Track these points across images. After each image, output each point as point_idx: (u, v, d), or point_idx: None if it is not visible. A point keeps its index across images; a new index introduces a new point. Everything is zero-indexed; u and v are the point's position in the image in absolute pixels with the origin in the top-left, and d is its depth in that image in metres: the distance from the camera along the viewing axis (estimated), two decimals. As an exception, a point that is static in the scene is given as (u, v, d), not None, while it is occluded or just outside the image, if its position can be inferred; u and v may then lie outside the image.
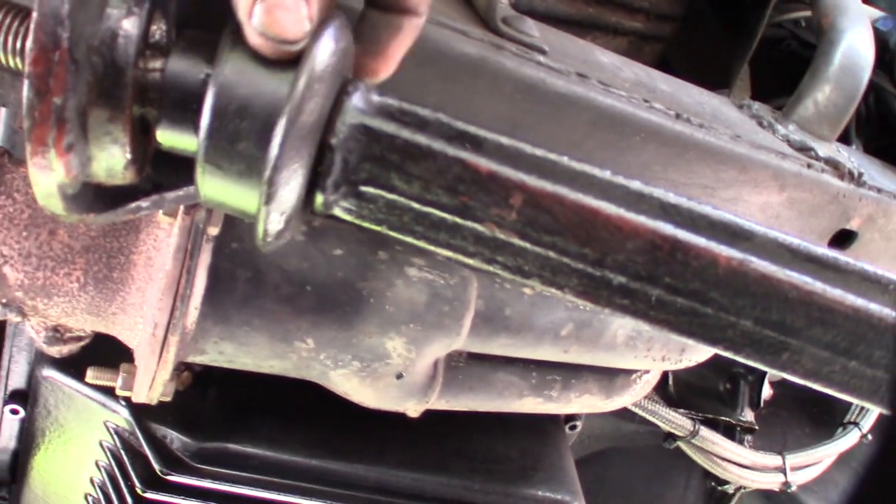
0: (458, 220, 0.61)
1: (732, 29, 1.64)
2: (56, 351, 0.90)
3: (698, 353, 1.15)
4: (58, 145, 0.57)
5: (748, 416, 1.39)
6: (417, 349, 0.92)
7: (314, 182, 0.61)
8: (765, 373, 1.40)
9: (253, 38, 0.55)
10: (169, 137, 0.61)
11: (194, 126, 0.61)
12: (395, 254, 0.92)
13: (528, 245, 0.60)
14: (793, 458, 1.41)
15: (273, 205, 0.59)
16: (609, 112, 0.90)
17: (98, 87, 0.58)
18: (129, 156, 0.62)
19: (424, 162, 0.60)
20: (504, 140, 0.63)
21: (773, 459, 1.40)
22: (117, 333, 0.87)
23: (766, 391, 1.40)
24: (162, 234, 0.82)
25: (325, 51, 0.58)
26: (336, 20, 0.61)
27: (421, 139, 0.61)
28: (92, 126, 0.59)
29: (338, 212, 0.62)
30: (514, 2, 1.13)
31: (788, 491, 1.41)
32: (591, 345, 1.01)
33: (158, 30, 0.64)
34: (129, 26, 0.58)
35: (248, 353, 0.89)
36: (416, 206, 0.61)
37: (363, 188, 0.61)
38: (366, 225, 0.63)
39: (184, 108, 0.60)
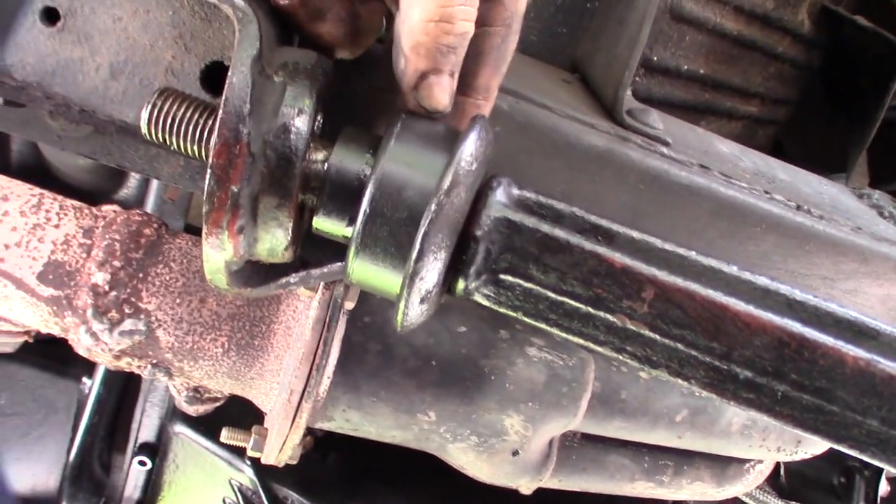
0: (591, 310, 0.64)
1: (848, 113, 1.63)
2: (194, 410, 0.96)
3: (815, 445, 1.13)
4: (231, 228, 0.63)
5: (865, 513, 1.34)
6: (534, 427, 0.94)
7: (456, 269, 0.65)
8: (882, 468, 1.34)
9: (411, 103, 0.67)
10: (325, 223, 0.67)
11: (349, 213, 0.66)
12: (515, 333, 0.96)
13: (657, 337, 0.63)
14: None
15: (415, 290, 0.63)
16: (730, 202, 0.91)
17: (270, 177, 0.64)
18: (290, 238, 0.67)
19: (561, 254, 0.64)
20: (635, 234, 0.66)
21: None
22: (253, 397, 0.93)
23: (884, 487, 1.34)
24: (301, 306, 0.88)
25: (470, 148, 0.63)
26: (480, 120, 0.67)
27: (558, 233, 0.64)
28: (261, 212, 0.65)
29: (477, 298, 0.66)
30: (633, 88, 1.18)
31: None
32: (705, 432, 1.01)
33: (319, 123, 0.70)
34: (300, 123, 0.65)
35: (373, 422, 0.93)
36: (551, 295, 0.64)
37: (503, 276, 0.64)
38: (502, 311, 0.66)
39: (342, 197, 0.66)
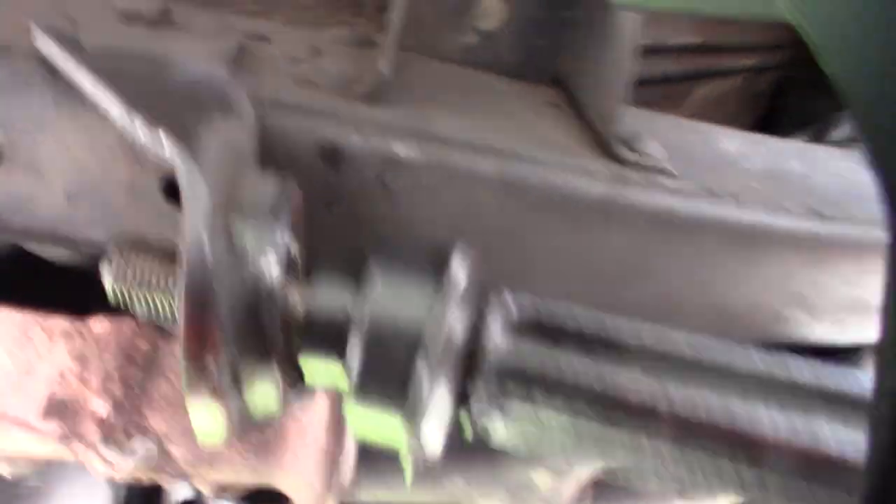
0: (604, 429, 0.61)
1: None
2: (222, 500, 0.96)
3: None
4: (213, 396, 0.60)
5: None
6: (562, 478, 0.92)
7: (461, 403, 0.62)
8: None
9: None
10: (313, 365, 0.64)
11: (337, 351, 0.63)
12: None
13: (678, 454, 0.60)
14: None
15: (418, 441, 0.60)
16: (744, 228, 0.86)
17: (247, 336, 0.61)
18: (280, 387, 0.64)
19: (566, 384, 0.60)
20: (649, 340, 0.62)
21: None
22: (279, 487, 0.92)
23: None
24: (311, 403, 0.85)
25: (456, 279, 0.60)
26: (461, 246, 0.62)
27: (562, 361, 0.61)
28: (244, 373, 0.61)
29: (486, 431, 0.63)
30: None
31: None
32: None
33: (295, 258, 0.66)
34: (271, 271, 0.61)
35: (401, 494, 0.92)
36: (562, 418, 0.61)
37: (508, 405, 0.61)
38: (514, 441, 0.63)
39: (328, 339, 0.63)
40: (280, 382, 0.63)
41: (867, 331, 1.00)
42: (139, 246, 0.65)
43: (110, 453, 0.81)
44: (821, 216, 0.91)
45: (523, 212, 0.80)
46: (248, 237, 0.60)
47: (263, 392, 0.63)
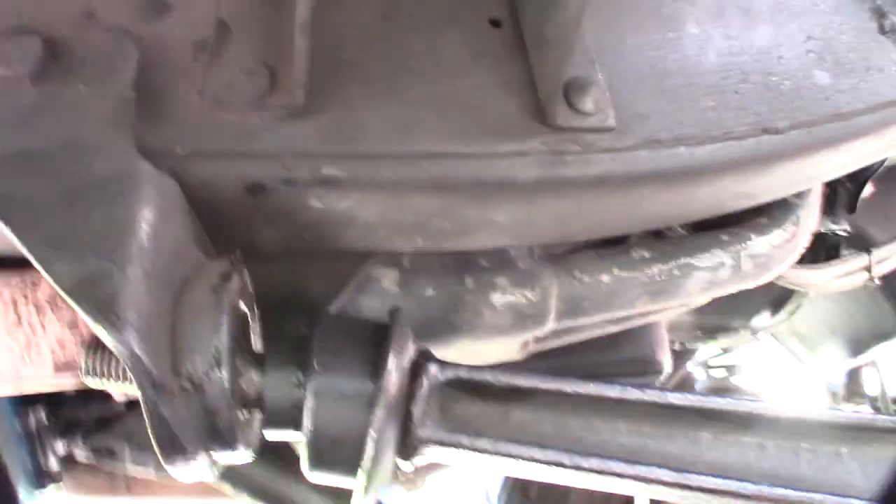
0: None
1: None
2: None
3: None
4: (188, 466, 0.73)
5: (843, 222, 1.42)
6: (507, 347, 1.08)
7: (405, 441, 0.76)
8: (866, 179, 1.40)
9: None
10: (274, 435, 0.76)
11: (294, 422, 0.75)
12: (480, 277, 1.02)
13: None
14: (879, 253, 1.47)
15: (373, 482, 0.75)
16: (688, 171, 0.87)
17: (208, 423, 0.71)
18: (250, 451, 0.76)
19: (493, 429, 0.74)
20: (559, 388, 0.73)
21: (860, 261, 1.47)
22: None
23: (869, 189, 1.40)
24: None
25: (393, 361, 0.70)
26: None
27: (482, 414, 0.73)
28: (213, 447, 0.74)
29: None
30: None
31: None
32: (666, 303, 1.11)
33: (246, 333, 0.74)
34: (220, 373, 0.70)
35: None
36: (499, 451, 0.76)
37: (446, 445, 0.75)
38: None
39: (283, 413, 0.74)
40: (250, 446, 0.76)
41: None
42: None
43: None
44: (773, 131, 0.90)
45: (457, 204, 0.82)
46: (195, 338, 0.67)
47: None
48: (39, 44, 0.71)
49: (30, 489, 1.31)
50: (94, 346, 0.74)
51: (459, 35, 0.85)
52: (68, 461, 1.37)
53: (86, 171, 0.67)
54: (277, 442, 0.77)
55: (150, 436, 0.67)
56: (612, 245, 1.08)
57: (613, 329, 1.22)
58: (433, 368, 0.74)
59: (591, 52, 0.85)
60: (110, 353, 0.73)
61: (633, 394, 0.76)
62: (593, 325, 1.15)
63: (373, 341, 0.72)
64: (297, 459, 1.30)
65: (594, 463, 0.74)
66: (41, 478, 1.31)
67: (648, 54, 0.91)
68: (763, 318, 1.98)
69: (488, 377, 0.74)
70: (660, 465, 0.75)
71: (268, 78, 0.75)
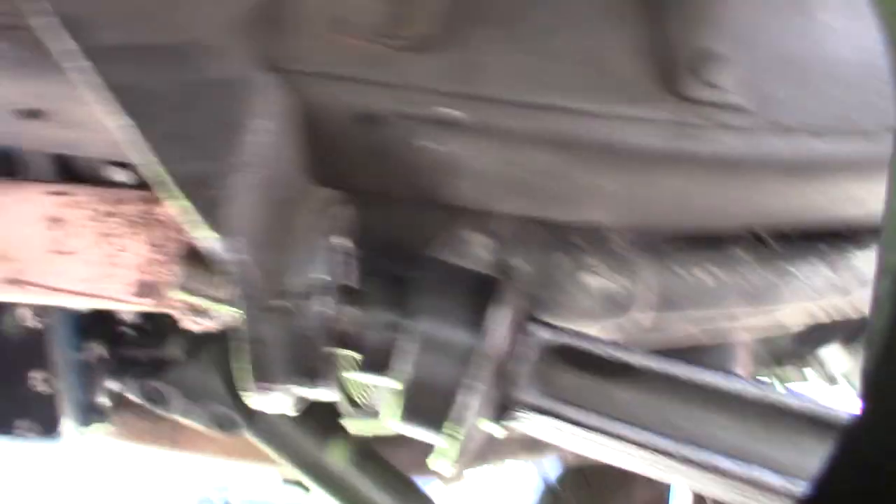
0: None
1: None
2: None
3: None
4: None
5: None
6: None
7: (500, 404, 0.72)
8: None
9: None
10: (365, 378, 0.73)
11: (384, 367, 0.71)
12: (573, 254, 0.98)
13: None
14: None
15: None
16: (812, 162, 0.83)
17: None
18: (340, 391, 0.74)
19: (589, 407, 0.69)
20: (658, 367, 0.69)
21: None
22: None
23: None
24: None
25: (499, 327, 0.66)
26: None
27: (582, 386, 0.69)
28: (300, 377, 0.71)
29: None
30: None
31: None
32: (760, 307, 1.06)
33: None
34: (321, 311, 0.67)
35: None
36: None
37: (541, 414, 0.71)
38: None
39: (376, 362, 0.71)
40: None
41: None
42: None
43: (196, 319, 0.94)
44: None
45: (572, 165, 0.79)
46: (296, 292, 0.65)
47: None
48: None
49: (77, 422, 1.30)
50: (191, 258, 0.72)
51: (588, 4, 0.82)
52: (119, 401, 1.35)
53: (207, 70, 0.65)
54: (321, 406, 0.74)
55: (243, 355, 0.65)
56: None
57: (698, 335, 1.17)
58: (541, 330, 0.70)
59: (726, 26, 0.81)
60: (206, 267, 0.71)
61: (748, 391, 0.71)
62: (682, 325, 1.10)
63: (480, 292, 0.68)
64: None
65: (697, 455, 0.69)
66: (90, 412, 1.29)
67: (784, 39, 0.86)
68: (834, 352, 1.89)
69: (599, 349, 0.70)
70: (762, 466, 0.70)
71: (398, 6, 0.72)
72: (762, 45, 0.83)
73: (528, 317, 0.73)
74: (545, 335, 0.70)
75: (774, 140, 0.80)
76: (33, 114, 0.73)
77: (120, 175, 0.85)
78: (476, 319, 0.67)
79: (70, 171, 0.92)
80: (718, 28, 0.80)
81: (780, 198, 0.88)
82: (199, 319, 0.94)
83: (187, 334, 1.14)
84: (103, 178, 0.86)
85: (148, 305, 0.93)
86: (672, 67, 0.78)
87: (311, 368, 0.68)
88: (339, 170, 0.78)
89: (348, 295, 0.70)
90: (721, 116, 0.78)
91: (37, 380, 1.21)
